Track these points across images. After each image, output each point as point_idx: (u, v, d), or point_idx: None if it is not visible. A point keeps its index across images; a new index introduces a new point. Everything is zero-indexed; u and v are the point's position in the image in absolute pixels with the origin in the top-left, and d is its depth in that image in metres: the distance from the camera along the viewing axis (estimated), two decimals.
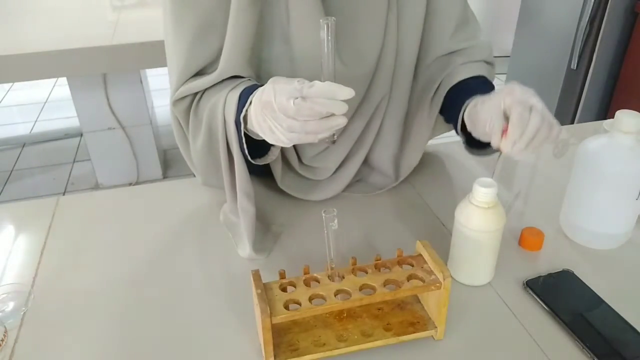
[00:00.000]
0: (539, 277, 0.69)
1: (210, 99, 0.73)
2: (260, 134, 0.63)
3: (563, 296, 0.66)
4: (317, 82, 0.58)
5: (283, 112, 0.58)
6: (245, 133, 0.68)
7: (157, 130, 2.46)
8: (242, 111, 0.66)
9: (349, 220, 0.81)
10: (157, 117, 2.53)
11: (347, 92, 0.57)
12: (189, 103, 0.76)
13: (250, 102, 0.65)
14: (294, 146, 0.84)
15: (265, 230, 0.79)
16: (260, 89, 0.63)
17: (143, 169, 2.41)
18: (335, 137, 0.66)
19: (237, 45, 0.71)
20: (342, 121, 0.59)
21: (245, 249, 0.74)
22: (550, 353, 0.60)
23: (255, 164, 0.73)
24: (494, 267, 0.69)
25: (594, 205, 0.74)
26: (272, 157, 0.75)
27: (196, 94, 0.75)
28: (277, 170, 0.83)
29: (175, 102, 0.76)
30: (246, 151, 0.69)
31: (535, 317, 0.65)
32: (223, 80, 0.73)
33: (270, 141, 0.63)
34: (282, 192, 0.87)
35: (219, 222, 0.81)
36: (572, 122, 2.54)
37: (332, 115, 0.58)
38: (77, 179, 2.51)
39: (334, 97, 0.57)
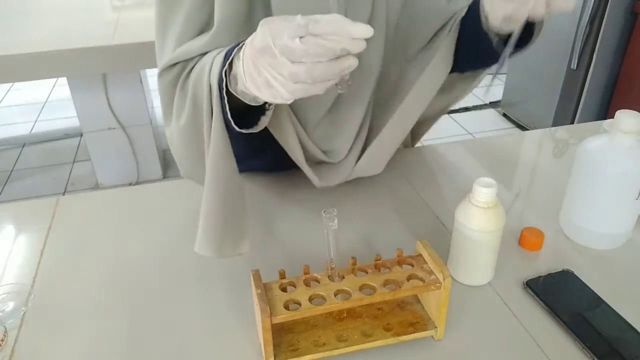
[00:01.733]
0: (539, 277, 0.69)
1: (197, 69, 0.65)
2: (253, 91, 0.54)
3: (563, 296, 0.66)
4: (323, 17, 0.48)
5: (287, 56, 0.48)
6: (235, 99, 0.59)
7: (157, 130, 2.46)
8: (225, 65, 0.57)
9: (349, 220, 0.81)
10: (157, 117, 2.53)
11: (365, 29, 0.48)
12: (176, 74, 0.68)
13: (237, 57, 0.55)
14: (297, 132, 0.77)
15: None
16: (250, 37, 0.53)
17: (143, 169, 2.41)
18: (349, 82, 0.55)
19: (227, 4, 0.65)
20: (354, 62, 0.49)
21: (201, 244, 0.65)
22: (550, 353, 0.60)
23: (240, 132, 0.64)
24: (494, 267, 0.69)
25: (594, 205, 0.74)
26: (261, 126, 0.66)
27: (184, 67, 0.68)
28: (300, 156, 0.76)
29: (162, 72, 0.68)
30: (229, 115, 0.59)
31: (535, 317, 0.65)
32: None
33: (267, 98, 0.53)
34: (281, 192, 0.87)
35: None
36: (572, 122, 2.55)
37: (341, 57, 0.49)
38: (77, 179, 2.51)
39: (348, 34, 0.48)
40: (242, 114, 0.62)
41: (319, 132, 0.79)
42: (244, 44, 0.55)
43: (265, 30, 0.49)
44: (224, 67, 0.57)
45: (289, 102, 0.53)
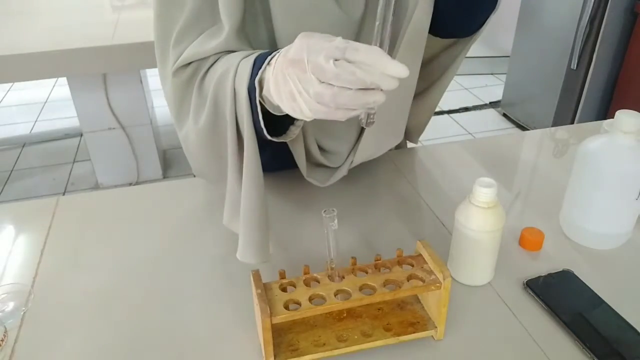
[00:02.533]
0: (539, 277, 0.69)
1: (218, 71, 0.64)
2: (276, 100, 0.54)
3: (563, 296, 0.66)
4: (363, 46, 0.47)
5: (317, 75, 0.48)
6: (261, 105, 0.58)
7: (157, 130, 2.46)
8: (257, 74, 0.56)
9: (349, 220, 0.81)
10: (157, 117, 2.53)
11: (401, 69, 0.47)
12: (190, 74, 0.67)
13: (269, 63, 0.55)
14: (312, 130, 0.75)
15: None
16: (285, 47, 0.53)
17: (143, 169, 2.41)
18: (373, 117, 0.53)
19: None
20: (381, 98, 0.49)
21: (244, 251, 0.66)
22: (550, 353, 0.60)
23: (271, 140, 0.64)
24: (494, 267, 0.69)
25: (594, 205, 0.74)
26: (291, 135, 0.65)
27: (199, 67, 0.67)
28: (302, 161, 0.76)
29: (176, 72, 0.67)
30: (262, 123, 0.58)
31: (535, 317, 0.65)
32: (234, 52, 0.66)
33: (287, 110, 0.53)
34: (281, 192, 0.87)
35: (219, 222, 0.81)
36: (572, 122, 2.55)
37: (370, 90, 0.48)
38: (77, 179, 2.51)
39: (383, 69, 0.47)
40: (268, 121, 0.61)
41: (313, 127, 0.78)
42: (277, 53, 0.55)
43: (303, 44, 0.49)
44: (255, 75, 0.57)
45: (308, 120, 0.53)
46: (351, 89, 0.47)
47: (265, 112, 0.60)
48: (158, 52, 0.72)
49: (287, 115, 0.59)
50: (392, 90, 0.49)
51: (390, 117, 0.80)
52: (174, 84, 0.69)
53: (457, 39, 0.83)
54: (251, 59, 0.59)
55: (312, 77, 0.48)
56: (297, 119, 0.63)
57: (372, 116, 0.53)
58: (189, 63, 0.68)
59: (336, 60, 0.47)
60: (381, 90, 0.49)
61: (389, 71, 0.47)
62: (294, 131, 0.64)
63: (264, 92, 0.57)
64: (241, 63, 0.60)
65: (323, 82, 0.48)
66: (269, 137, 0.62)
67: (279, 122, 0.63)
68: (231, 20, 0.65)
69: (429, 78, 0.87)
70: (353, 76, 0.47)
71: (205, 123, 0.66)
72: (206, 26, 0.68)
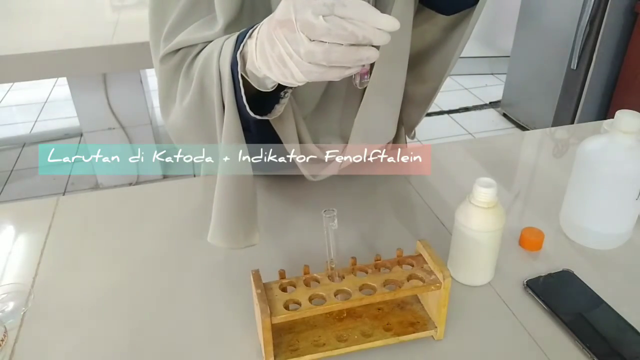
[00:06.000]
0: (539, 277, 0.69)
1: (203, 55, 0.63)
2: (264, 69, 0.52)
3: (563, 296, 0.66)
4: (351, 1, 0.46)
5: (307, 32, 0.46)
6: (246, 86, 0.57)
7: (157, 130, 2.46)
8: (239, 48, 0.55)
9: (349, 220, 0.81)
10: (157, 117, 2.53)
11: (392, 21, 0.46)
12: (179, 60, 0.66)
13: (250, 36, 0.54)
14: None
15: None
16: (268, 17, 0.51)
17: (143, 169, 2.41)
18: (367, 78, 0.53)
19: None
20: (374, 54, 0.48)
21: (213, 233, 0.65)
22: (550, 353, 0.60)
23: (255, 117, 0.62)
24: (494, 267, 0.69)
25: (594, 205, 0.74)
26: (276, 114, 0.64)
27: (187, 53, 0.66)
28: (296, 146, 0.74)
29: (164, 58, 0.66)
30: (244, 99, 0.57)
31: (535, 317, 0.65)
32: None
33: (276, 77, 0.51)
34: (280, 192, 0.87)
35: None
36: (572, 122, 2.55)
37: (362, 46, 0.47)
38: (77, 179, 2.51)
39: (374, 23, 0.46)
40: (255, 105, 0.60)
41: (308, 125, 0.78)
42: (258, 25, 0.54)
43: (289, 4, 0.47)
44: (237, 49, 0.56)
45: (300, 84, 0.51)
46: (342, 44, 0.46)
47: (252, 95, 0.59)
48: (152, 44, 0.72)
49: (271, 93, 0.58)
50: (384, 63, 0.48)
51: (378, 120, 0.80)
52: (161, 70, 0.68)
53: (457, 18, 0.80)
54: (234, 37, 0.58)
55: (302, 36, 0.46)
56: (282, 97, 0.62)
57: (365, 76, 0.53)
58: (178, 50, 0.67)
59: (325, 16, 0.46)
60: (373, 46, 0.47)
61: (379, 24, 0.46)
62: (278, 109, 0.63)
63: (248, 65, 0.55)
64: (225, 43, 0.59)
65: (313, 40, 0.46)
66: (252, 114, 0.60)
67: (263, 103, 0.62)
68: (225, 15, 0.64)
69: (427, 71, 0.85)
70: (344, 31, 0.45)
71: (190, 103, 0.64)
72: (200, 18, 0.67)
